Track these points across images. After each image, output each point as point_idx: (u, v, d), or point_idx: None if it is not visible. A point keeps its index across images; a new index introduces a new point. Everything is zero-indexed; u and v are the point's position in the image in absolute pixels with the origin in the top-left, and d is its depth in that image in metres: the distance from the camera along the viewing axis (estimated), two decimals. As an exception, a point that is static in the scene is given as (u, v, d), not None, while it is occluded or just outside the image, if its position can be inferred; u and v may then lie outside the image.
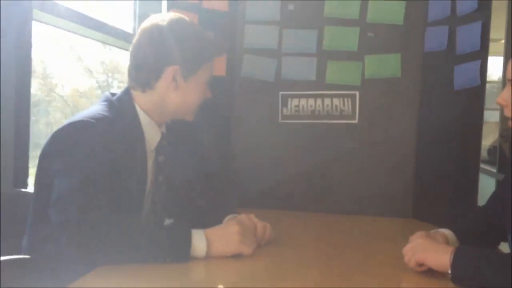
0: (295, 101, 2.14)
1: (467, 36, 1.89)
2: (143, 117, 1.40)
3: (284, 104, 2.15)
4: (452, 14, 1.96)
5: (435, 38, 2.02)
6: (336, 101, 2.12)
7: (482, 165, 2.01)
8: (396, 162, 2.11)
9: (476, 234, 1.40)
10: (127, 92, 1.42)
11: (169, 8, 2.03)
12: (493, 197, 1.49)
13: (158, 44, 1.38)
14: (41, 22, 1.83)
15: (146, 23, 1.42)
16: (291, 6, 2.15)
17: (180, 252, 1.21)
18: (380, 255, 1.39)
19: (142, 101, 1.41)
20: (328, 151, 2.14)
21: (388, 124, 2.11)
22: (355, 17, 2.11)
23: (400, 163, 2.11)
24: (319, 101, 2.13)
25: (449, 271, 1.09)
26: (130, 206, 1.34)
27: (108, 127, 1.28)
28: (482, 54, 1.83)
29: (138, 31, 1.43)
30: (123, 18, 2.58)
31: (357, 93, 2.12)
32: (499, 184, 1.45)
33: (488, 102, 1.99)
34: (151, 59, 1.38)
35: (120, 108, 1.37)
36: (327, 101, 2.12)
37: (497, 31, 3.54)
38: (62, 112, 2.64)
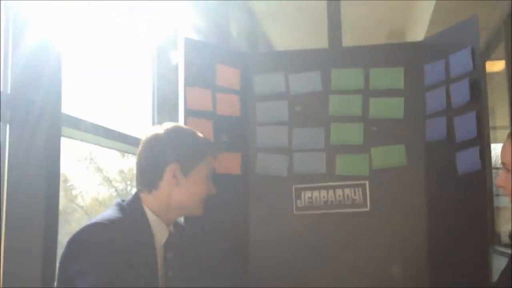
0: (308, 193, 2.23)
1: (463, 125, 2.03)
2: (151, 216, 1.53)
3: (298, 196, 2.25)
4: (448, 106, 2.11)
5: (435, 129, 2.15)
6: (347, 191, 2.22)
7: (502, 249, 2.06)
8: (409, 249, 2.16)
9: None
10: (136, 196, 1.56)
11: (186, 116, 2.17)
12: (502, 273, 1.52)
13: (157, 148, 1.56)
14: (68, 137, 1.94)
15: (146, 134, 1.61)
16: (298, 108, 2.31)
17: None
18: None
19: (149, 201, 1.55)
20: (342, 239, 2.19)
21: (398, 210, 2.19)
22: (358, 114, 2.26)
23: (414, 249, 2.15)
24: (331, 192, 2.23)
25: None
26: None
27: (120, 227, 1.40)
28: (479, 141, 1.96)
29: (141, 142, 1.61)
30: (142, 127, 2.75)
31: (367, 182, 2.22)
32: (508, 260, 1.50)
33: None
34: (152, 161, 1.55)
35: (129, 210, 1.50)
36: (338, 191, 2.22)
37: (504, 119, 3.71)
38: (82, 222, 2.73)
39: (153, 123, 2.82)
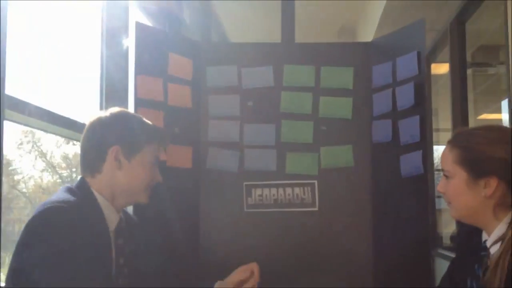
0: (258, 191, 2.26)
1: (407, 129, 2.10)
2: (101, 200, 1.51)
3: (249, 193, 2.27)
4: (393, 109, 2.18)
5: (381, 131, 2.22)
6: (297, 190, 2.26)
7: (444, 252, 2.16)
8: (355, 249, 2.23)
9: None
10: (82, 180, 1.53)
11: (136, 106, 2.12)
12: (444, 276, 1.54)
13: (100, 130, 1.53)
14: (10, 121, 1.87)
15: (91, 117, 1.58)
16: (249, 102, 2.32)
17: None
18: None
19: (95, 185, 1.52)
20: (291, 238, 2.23)
21: (345, 210, 2.25)
22: (308, 112, 2.30)
23: (359, 249, 2.23)
24: (281, 190, 2.26)
25: None
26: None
27: (75, 210, 1.37)
28: (422, 145, 2.04)
29: (85, 126, 1.58)
30: (89, 113, 2.68)
31: (316, 182, 2.26)
32: (450, 263, 1.56)
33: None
34: (95, 144, 1.52)
35: (80, 193, 1.47)
36: (288, 190, 2.26)
37: (447, 121, 3.84)
38: (25, 211, 2.64)
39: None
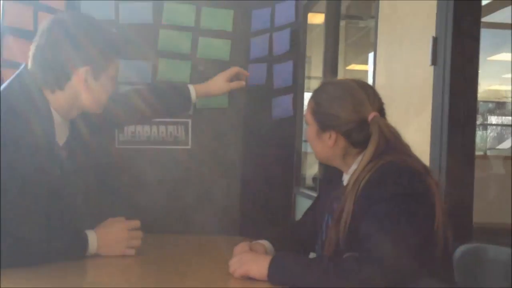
0: (131, 128, 2.23)
1: (281, 73, 2.20)
2: (56, 117, 1.41)
3: (121, 130, 2.24)
4: (269, 53, 2.26)
5: (256, 74, 2.29)
6: (170, 128, 2.28)
7: (307, 191, 2.31)
8: (224, 186, 2.31)
9: (289, 243, 1.53)
10: (40, 95, 1.40)
11: (3, 34, 1.98)
12: (307, 211, 1.65)
13: (65, 44, 1.38)
14: None
15: (47, 22, 1.42)
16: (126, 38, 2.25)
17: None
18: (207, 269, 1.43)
19: (52, 100, 1.41)
20: (164, 175, 2.26)
21: (217, 150, 2.31)
22: (187, 51, 2.29)
23: (228, 186, 2.31)
24: (154, 128, 2.26)
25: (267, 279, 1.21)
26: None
27: (25, 125, 1.32)
28: (294, 89, 2.15)
29: (39, 31, 1.42)
30: None
31: (190, 121, 2.29)
32: (313, 200, 1.69)
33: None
34: (59, 60, 1.38)
35: (34, 106, 1.37)
36: (162, 128, 2.27)
37: (319, 69, 4.01)
38: None
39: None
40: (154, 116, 1.95)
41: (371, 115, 1.32)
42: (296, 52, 2.18)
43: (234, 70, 1.92)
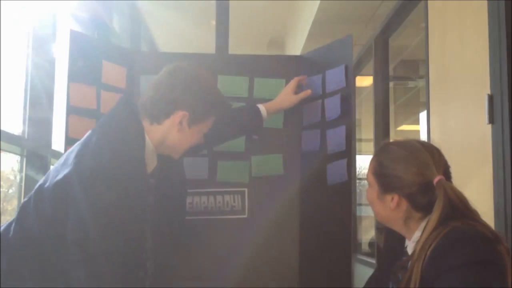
0: (189, 199, 2.23)
1: (334, 138, 2.20)
2: (149, 145, 1.55)
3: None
4: (322, 119, 2.27)
5: (310, 140, 2.30)
6: (227, 197, 2.29)
7: (363, 257, 2.25)
8: (281, 254, 2.27)
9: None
10: (139, 125, 1.54)
11: (68, 113, 2.07)
12: (369, 280, 1.60)
13: (176, 86, 1.56)
14: None
15: (169, 66, 1.61)
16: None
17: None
18: None
19: (148, 130, 1.56)
20: (221, 245, 2.25)
21: (274, 217, 2.28)
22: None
23: (286, 253, 2.28)
24: (211, 198, 2.28)
25: None
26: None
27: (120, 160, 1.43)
28: (347, 154, 2.14)
29: (163, 70, 1.62)
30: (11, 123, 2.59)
31: (246, 190, 2.30)
32: (375, 268, 1.63)
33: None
34: (167, 98, 1.56)
35: (128, 134, 1.51)
36: (218, 198, 2.28)
37: (369, 131, 4.00)
38: None
39: (24, 119, 2.69)
40: (229, 137, 2.12)
41: (437, 179, 1.28)
42: (348, 117, 2.19)
43: (296, 81, 2.13)
